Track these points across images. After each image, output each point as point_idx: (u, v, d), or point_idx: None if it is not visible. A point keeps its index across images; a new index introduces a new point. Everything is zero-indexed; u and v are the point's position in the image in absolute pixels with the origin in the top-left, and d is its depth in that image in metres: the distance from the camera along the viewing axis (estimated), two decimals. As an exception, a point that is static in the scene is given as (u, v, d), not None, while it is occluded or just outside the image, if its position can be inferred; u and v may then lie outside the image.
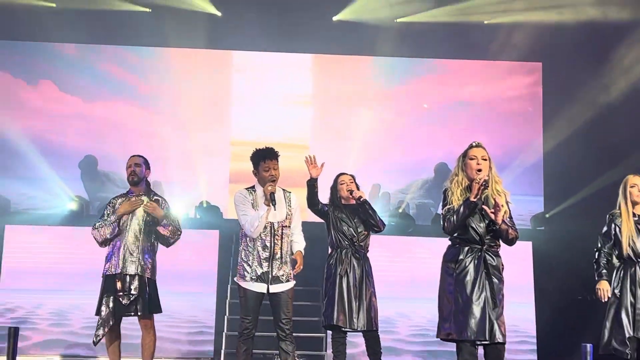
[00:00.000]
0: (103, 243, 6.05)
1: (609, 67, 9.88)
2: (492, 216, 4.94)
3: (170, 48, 10.77)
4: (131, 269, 5.90)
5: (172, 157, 10.52)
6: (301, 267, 5.74)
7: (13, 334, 6.20)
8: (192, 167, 10.56)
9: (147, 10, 10.29)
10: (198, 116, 10.87)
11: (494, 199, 4.92)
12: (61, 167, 10.35)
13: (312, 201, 6.28)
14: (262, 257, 5.62)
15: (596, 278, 6.16)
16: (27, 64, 10.90)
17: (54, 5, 10.06)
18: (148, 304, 5.95)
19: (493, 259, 5.09)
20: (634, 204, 6.07)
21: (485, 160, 5.05)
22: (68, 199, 9.81)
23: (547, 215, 10.30)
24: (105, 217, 6.02)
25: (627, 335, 5.94)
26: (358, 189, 6.30)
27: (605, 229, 6.25)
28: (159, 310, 6.02)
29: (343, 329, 6.18)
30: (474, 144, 5.16)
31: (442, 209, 5.23)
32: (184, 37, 10.36)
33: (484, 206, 5.01)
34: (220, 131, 10.93)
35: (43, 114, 10.90)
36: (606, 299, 6.11)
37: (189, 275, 8.68)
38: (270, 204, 5.56)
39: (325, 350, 8.37)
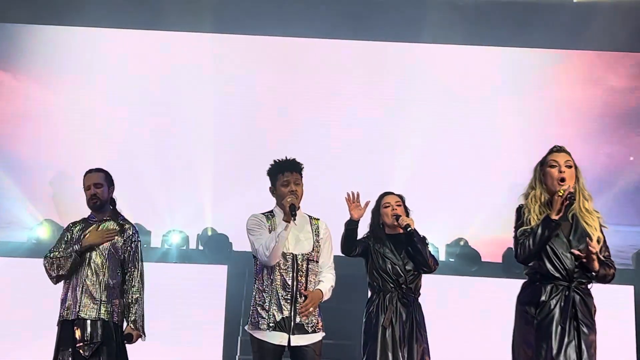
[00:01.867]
0: (56, 279, 5.49)
1: None
2: (584, 260, 4.58)
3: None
4: (92, 312, 5.36)
5: (167, 170, 9.85)
6: (310, 307, 5.14)
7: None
8: (194, 185, 9.78)
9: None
10: (203, 116, 10.08)
11: (588, 242, 4.52)
12: (27, 183, 9.66)
13: (349, 246, 5.86)
14: (281, 298, 5.13)
15: None
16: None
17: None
18: (116, 354, 5.39)
19: (583, 299, 4.66)
20: None
21: (570, 167, 4.75)
22: (35, 224, 9.11)
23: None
24: (62, 246, 5.52)
25: None
26: (407, 214, 5.71)
27: None
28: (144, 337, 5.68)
29: None
30: (555, 148, 4.86)
31: (516, 231, 4.81)
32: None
33: (573, 250, 4.63)
34: (230, 138, 10.06)
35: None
36: None
37: (189, 322, 8.21)
38: (291, 219, 5.15)
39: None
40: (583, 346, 4.44)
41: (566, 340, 4.45)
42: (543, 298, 4.60)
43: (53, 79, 10.42)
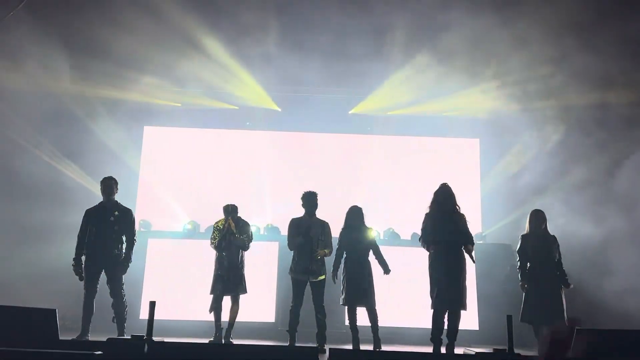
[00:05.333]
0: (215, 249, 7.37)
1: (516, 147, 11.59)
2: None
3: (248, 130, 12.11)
4: (233, 269, 7.36)
5: (254, 197, 11.47)
6: (319, 256, 6.93)
7: (151, 306, 5.79)
8: (264, 203, 11.50)
9: (236, 108, 12.00)
10: (270, 170, 11.82)
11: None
12: (183, 202, 11.51)
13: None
14: (306, 258, 6.93)
15: (519, 277, 7.20)
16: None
17: (179, 105, 11.87)
18: (240, 289, 7.43)
19: (456, 256, 6.52)
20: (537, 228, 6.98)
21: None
22: (186, 222, 10.82)
23: (483, 234, 11.34)
24: (216, 233, 7.38)
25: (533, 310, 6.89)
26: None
27: (519, 246, 7.14)
28: (245, 292, 7.48)
29: (355, 305, 7.27)
30: (443, 183, 6.60)
31: (423, 226, 6.51)
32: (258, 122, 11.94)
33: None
34: (281, 180, 11.70)
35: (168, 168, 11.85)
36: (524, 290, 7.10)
37: (261, 270, 9.66)
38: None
39: (345, 319, 8.52)
40: (457, 275, 6.40)
41: (450, 273, 6.39)
42: (439, 256, 6.42)
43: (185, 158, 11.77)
